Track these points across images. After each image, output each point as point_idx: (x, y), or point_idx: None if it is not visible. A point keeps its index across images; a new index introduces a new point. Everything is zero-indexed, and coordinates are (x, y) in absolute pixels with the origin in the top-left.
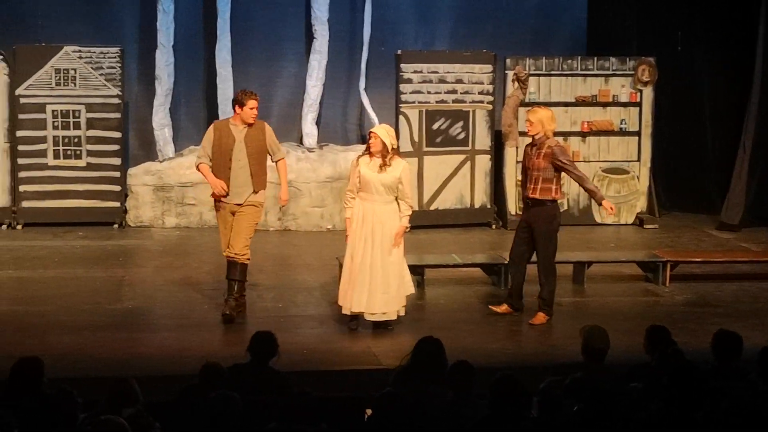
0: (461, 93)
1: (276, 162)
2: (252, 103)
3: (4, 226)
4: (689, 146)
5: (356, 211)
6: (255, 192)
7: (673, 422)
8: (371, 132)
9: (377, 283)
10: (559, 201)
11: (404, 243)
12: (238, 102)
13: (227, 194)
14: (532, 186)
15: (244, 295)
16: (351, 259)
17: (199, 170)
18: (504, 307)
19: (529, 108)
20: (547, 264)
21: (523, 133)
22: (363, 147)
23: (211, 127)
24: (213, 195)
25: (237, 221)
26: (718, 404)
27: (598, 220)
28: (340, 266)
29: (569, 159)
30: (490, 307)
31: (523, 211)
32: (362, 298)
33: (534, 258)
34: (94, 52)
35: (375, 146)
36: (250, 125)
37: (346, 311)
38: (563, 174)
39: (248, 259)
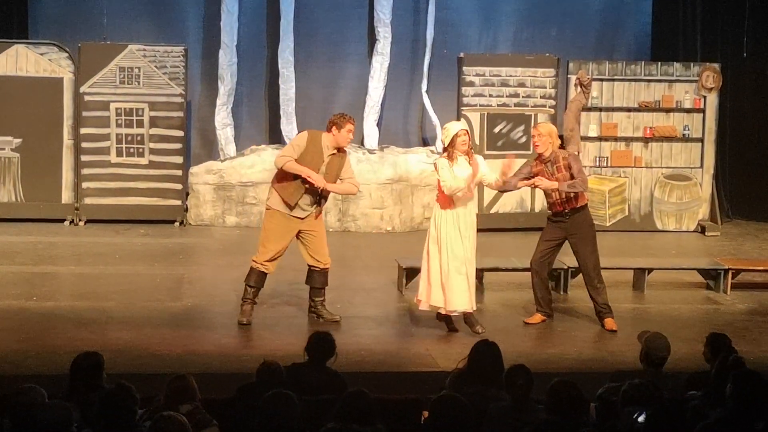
0: (523, 96)
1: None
2: (349, 126)
3: (66, 223)
4: (753, 153)
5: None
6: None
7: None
8: (465, 130)
9: (471, 278)
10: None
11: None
12: (335, 124)
13: (295, 206)
14: (565, 199)
15: None
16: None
17: (285, 168)
18: (538, 317)
19: (535, 124)
20: (598, 268)
21: (584, 138)
22: (423, 149)
23: (306, 134)
24: (309, 181)
25: (317, 235)
26: None
27: (660, 226)
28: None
29: (579, 166)
30: (525, 320)
31: (555, 224)
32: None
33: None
34: (158, 51)
35: (468, 144)
36: (339, 150)
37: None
38: (616, 178)
39: None
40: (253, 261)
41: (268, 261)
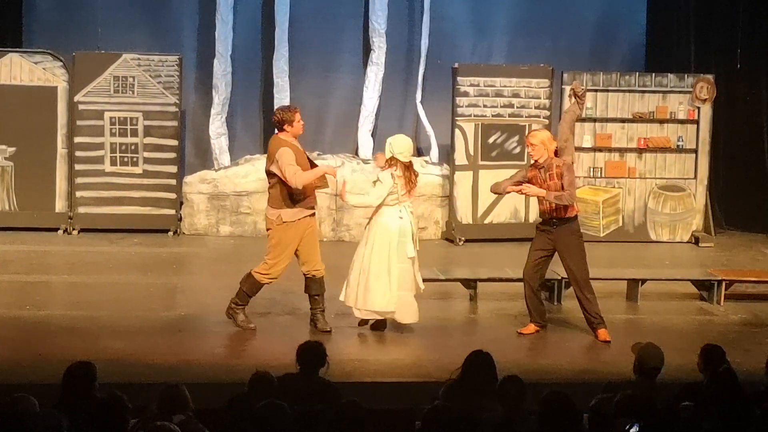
0: (517, 107)
1: None
2: (298, 116)
3: (60, 232)
4: (747, 164)
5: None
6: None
7: None
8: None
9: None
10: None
11: (451, 256)
12: (286, 121)
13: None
14: (554, 207)
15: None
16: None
17: (305, 181)
18: (532, 328)
19: (529, 132)
20: (588, 279)
21: (578, 149)
22: (417, 159)
23: (285, 145)
24: (322, 180)
25: (308, 242)
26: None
27: (653, 237)
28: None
29: (571, 179)
30: (518, 331)
31: (543, 233)
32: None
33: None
34: (153, 60)
35: None
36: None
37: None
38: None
39: None
40: (259, 273)
41: (276, 277)
